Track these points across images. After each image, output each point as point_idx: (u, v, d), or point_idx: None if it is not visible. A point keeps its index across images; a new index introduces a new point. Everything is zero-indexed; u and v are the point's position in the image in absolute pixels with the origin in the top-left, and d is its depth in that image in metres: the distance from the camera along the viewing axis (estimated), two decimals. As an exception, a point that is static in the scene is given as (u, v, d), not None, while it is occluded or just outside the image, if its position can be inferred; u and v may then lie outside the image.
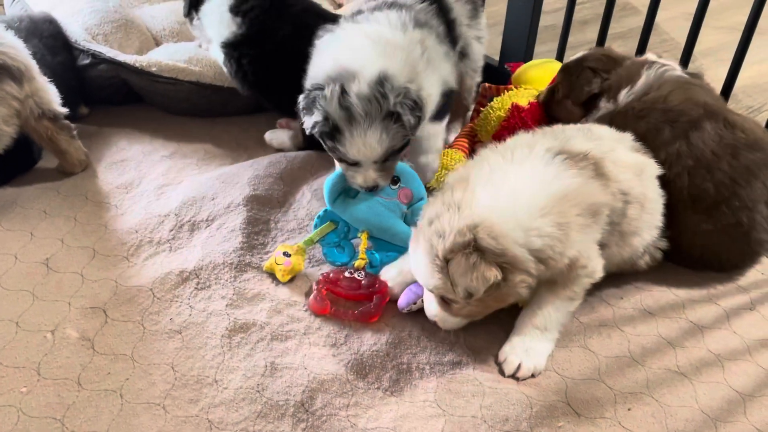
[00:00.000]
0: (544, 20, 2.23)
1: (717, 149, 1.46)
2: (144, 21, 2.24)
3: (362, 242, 1.50)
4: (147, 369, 1.26)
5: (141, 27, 2.20)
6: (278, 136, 1.96)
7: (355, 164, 1.44)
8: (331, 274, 1.45)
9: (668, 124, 1.50)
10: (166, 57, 2.03)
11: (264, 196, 1.69)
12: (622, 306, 1.43)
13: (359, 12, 1.59)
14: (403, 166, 1.56)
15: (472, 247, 1.16)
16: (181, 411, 1.18)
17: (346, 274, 1.45)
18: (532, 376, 1.27)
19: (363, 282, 1.43)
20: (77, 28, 2.06)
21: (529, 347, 1.29)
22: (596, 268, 1.29)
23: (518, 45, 2.18)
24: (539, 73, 1.98)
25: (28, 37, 1.85)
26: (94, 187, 1.75)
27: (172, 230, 1.59)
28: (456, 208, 1.21)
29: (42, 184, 1.76)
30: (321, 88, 1.38)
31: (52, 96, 1.73)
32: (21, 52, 1.66)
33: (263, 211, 1.65)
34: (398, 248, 1.49)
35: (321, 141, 1.45)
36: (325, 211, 1.55)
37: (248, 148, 1.98)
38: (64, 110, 1.76)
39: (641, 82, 1.58)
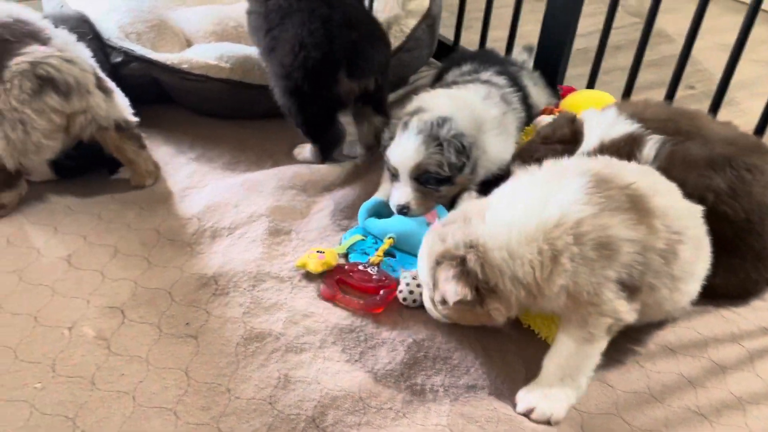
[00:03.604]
0: (577, 43, 2.22)
1: (737, 187, 1.45)
2: (178, 23, 2.26)
3: (384, 244, 1.57)
4: (161, 373, 1.26)
5: (175, 28, 2.22)
6: (304, 153, 1.95)
7: (395, 176, 1.61)
8: (346, 266, 1.52)
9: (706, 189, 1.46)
10: (197, 56, 2.05)
11: (287, 207, 1.69)
12: (643, 341, 1.40)
13: (454, 82, 1.82)
14: None
15: (459, 262, 1.20)
16: (193, 418, 1.18)
17: (360, 267, 1.51)
18: (548, 423, 1.22)
19: (374, 276, 1.49)
20: (111, 26, 2.07)
21: (548, 393, 1.23)
22: (616, 308, 1.19)
23: (550, 68, 2.16)
24: (587, 105, 1.90)
25: (80, 40, 1.88)
26: (119, 186, 1.76)
27: (194, 234, 1.60)
28: (468, 220, 1.24)
29: (68, 181, 1.77)
30: (399, 118, 1.64)
31: (116, 107, 1.69)
32: (80, 65, 1.60)
33: (285, 221, 1.65)
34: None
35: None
36: (356, 229, 1.64)
37: (273, 155, 1.98)
38: (134, 119, 1.74)
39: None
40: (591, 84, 2.13)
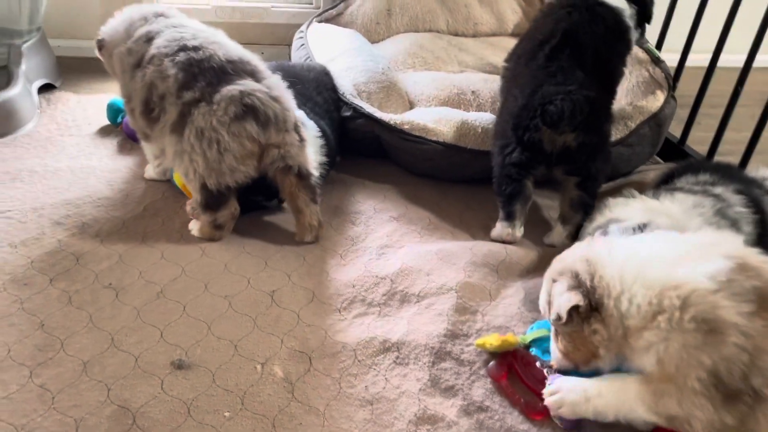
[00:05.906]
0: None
1: None
2: (405, 85, 2.39)
3: None
4: (334, 432, 1.30)
5: (401, 90, 2.34)
6: (496, 229, 1.93)
7: None
8: (523, 356, 1.47)
9: None
10: (417, 118, 2.15)
11: (477, 285, 1.68)
12: None
13: (678, 188, 1.74)
14: None
15: (573, 275, 1.27)
16: (356, 487, 1.20)
17: (538, 364, 1.45)
18: None
19: (548, 381, 1.40)
20: (346, 83, 2.25)
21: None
22: (695, 409, 1.10)
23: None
24: None
25: (318, 88, 2.05)
26: (326, 233, 1.88)
27: (384, 295, 1.64)
28: (593, 242, 1.33)
29: (287, 216, 1.92)
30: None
31: (306, 155, 1.77)
32: (283, 105, 1.71)
33: (473, 300, 1.64)
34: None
35: None
36: (546, 322, 1.54)
37: (470, 228, 1.99)
38: (315, 173, 1.80)
39: None
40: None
